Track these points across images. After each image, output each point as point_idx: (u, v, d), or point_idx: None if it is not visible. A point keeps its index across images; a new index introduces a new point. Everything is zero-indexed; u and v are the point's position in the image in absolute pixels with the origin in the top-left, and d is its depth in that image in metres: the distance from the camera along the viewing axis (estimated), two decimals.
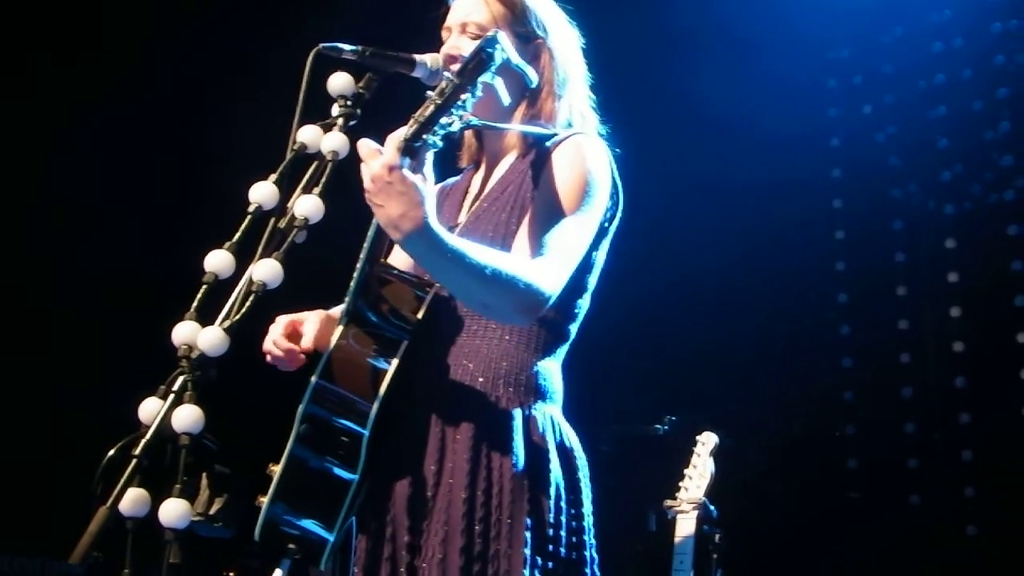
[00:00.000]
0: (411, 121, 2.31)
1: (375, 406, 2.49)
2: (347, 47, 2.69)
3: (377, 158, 2.30)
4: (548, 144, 2.72)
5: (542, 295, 2.50)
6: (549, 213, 2.61)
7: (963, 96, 5.66)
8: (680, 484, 4.21)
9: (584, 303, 2.77)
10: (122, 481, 2.18)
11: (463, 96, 2.31)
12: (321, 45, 2.67)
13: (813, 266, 6.00)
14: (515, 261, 2.52)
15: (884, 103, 5.90)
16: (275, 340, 2.68)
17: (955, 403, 5.53)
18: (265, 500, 2.54)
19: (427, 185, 2.34)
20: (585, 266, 2.71)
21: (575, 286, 2.69)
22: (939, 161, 5.69)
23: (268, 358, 2.72)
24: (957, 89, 5.68)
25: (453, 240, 2.41)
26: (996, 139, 5.55)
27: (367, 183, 2.32)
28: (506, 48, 2.40)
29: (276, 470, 2.55)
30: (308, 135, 2.62)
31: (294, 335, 2.71)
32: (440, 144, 2.35)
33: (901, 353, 5.70)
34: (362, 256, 2.50)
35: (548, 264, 2.54)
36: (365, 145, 2.35)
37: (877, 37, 5.92)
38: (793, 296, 5.98)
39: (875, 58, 5.93)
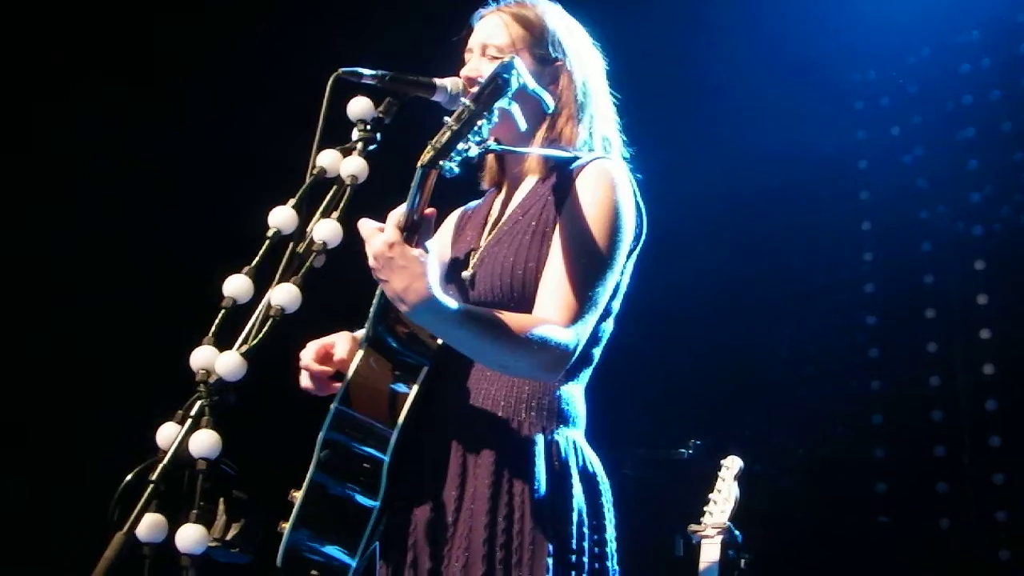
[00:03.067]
0: (428, 147, 2.32)
1: (395, 432, 2.49)
2: (367, 71, 2.69)
3: (378, 236, 2.36)
4: (571, 167, 2.70)
5: (563, 351, 2.50)
6: (576, 250, 2.59)
7: (992, 117, 5.63)
8: (705, 509, 4.18)
9: (608, 327, 2.75)
10: (139, 506, 2.17)
11: (479, 122, 2.31)
12: (341, 69, 2.67)
13: (841, 288, 5.97)
14: (530, 320, 2.51)
15: (912, 124, 5.88)
16: (306, 365, 2.68)
17: (986, 426, 5.49)
18: (287, 526, 2.54)
19: (430, 257, 2.38)
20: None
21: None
22: (968, 182, 5.66)
23: (305, 383, 2.71)
24: (986, 110, 5.65)
25: (461, 308, 2.43)
26: None
27: (370, 260, 2.38)
28: (522, 73, 2.39)
29: (297, 496, 2.55)
30: (327, 159, 2.61)
31: (326, 358, 2.71)
32: (457, 170, 2.35)
33: (931, 376, 5.67)
34: None
35: (571, 315, 2.52)
36: (366, 224, 2.41)
37: (904, 58, 5.90)
38: (821, 318, 5.95)
39: (902, 79, 5.90)
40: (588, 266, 2.58)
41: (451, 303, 2.40)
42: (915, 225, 5.80)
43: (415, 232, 2.39)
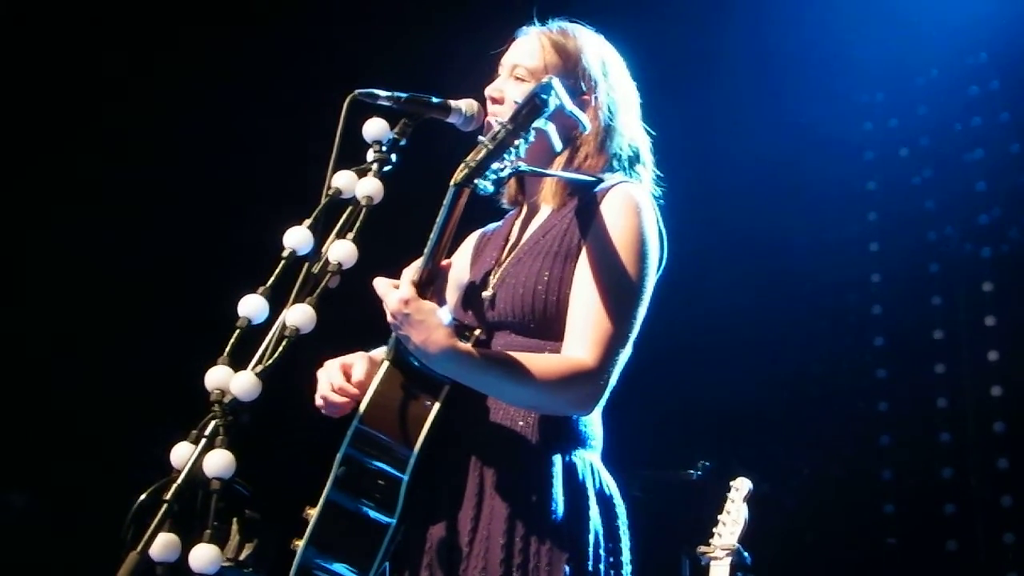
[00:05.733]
0: (462, 165, 2.34)
1: (415, 451, 2.48)
2: (382, 93, 2.70)
3: (393, 293, 2.42)
4: (594, 191, 2.70)
5: (592, 388, 2.53)
6: (605, 283, 2.59)
7: (1000, 139, 5.64)
8: (714, 530, 4.17)
9: (627, 351, 2.74)
10: (153, 526, 2.16)
11: (516, 141, 2.33)
12: (357, 91, 2.68)
13: (849, 309, 5.97)
14: (556, 360, 2.53)
15: (920, 146, 5.89)
16: (341, 386, 2.65)
17: (993, 448, 5.48)
18: (300, 544, 2.53)
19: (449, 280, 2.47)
20: None
21: None
22: (976, 204, 5.66)
23: (320, 403, 2.69)
24: (994, 132, 5.66)
25: (484, 353, 2.48)
26: None
27: (388, 317, 2.44)
28: (560, 94, 2.40)
29: (312, 513, 2.54)
30: (343, 180, 2.62)
31: (345, 378, 2.70)
32: (491, 188, 2.37)
33: (938, 397, 5.66)
34: None
35: (601, 350, 2.53)
36: (381, 283, 2.49)
37: (912, 80, 5.91)
38: (829, 339, 5.95)
39: (911, 101, 5.91)
40: (617, 300, 2.58)
41: (473, 351, 2.45)
42: (923, 246, 5.80)
43: (431, 284, 2.46)
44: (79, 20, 5.46)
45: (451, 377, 2.51)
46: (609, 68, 2.85)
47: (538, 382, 2.46)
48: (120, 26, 5.46)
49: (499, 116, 2.65)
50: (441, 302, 2.54)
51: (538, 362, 2.49)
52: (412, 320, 2.39)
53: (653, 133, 2.92)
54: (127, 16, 5.46)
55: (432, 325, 2.39)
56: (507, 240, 2.89)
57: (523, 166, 2.46)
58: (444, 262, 2.52)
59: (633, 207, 2.65)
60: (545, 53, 2.78)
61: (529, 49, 2.81)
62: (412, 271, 2.47)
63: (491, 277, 2.78)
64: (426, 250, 2.45)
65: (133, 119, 5.45)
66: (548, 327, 2.62)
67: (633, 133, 2.86)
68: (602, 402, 2.68)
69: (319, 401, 2.69)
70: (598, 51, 2.85)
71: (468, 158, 2.34)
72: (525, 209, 2.92)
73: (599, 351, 2.52)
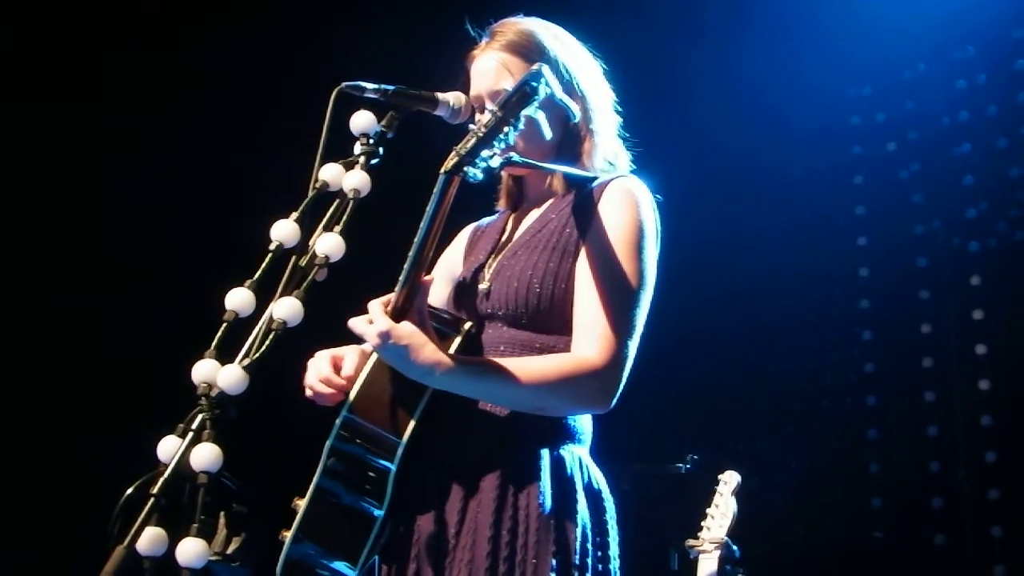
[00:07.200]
0: (452, 153, 2.32)
1: (403, 441, 2.48)
2: (369, 85, 2.70)
3: (370, 329, 2.41)
4: (591, 186, 2.71)
5: (601, 382, 2.53)
6: (608, 279, 2.59)
7: (988, 133, 5.64)
8: (702, 523, 4.17)
9: (636, 342, 2.72)
10: (139, 520, 2.16)
11: (505, 129, 2.32)
12: (344, 84, 2.68)
13: (837, 303, 5.97)
14: (558, 359, 2.54)
15: (908, 140, 5.89)
16: (327, 377, 2.63)
17: (981, 441, 5.48)
18: (288, 535, 2.53)
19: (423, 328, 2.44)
20: None
21: None
22: (964, 198, 5.67)
23: (310, 393, 2.68)
24: (981, 126, 5.66)
25: (483, 363, 2.49)
26: (1022, 176, 5.53)
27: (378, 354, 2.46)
28: (550, 81, 2.39)
29: (301, 504, 2.54)
30: (330, 173, 2.62)
31: (334, 369, 2.70)
32: (481, 176, 2.35)
33: (926, 391, 5.66)
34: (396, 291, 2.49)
35: (610, 345, 2.53)
36: (357, 323, 2.45)
37: (900, 74, 5.91)
38: (817, 333, 5.95)
39: (898, 95, 5.92)
40: (621, 294, 2.58)
41: (473, 360, 2.47)
42: (911, 240, 5.80)
43: (413, 300, 2.43)
44: (77, 19, 5.45)
45: (454, 391, 2.51)
46: (576, 54, 2.83)
47: (539, 384, 2.47)
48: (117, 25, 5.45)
49: None
50: (422, 318, 2.50)
51: (538, 364, 2.50)
52: (398, 348, 2.39)
53: (622, 119, 2.90)
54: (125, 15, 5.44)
55: (419, 344, 2.40)
56: (502, 233, 2.89)
57: (515, 156, 2.45)
58: (426, 278, 2.49)
59: (632, 201, 2.66)
60: (512, 68, 2.73)
61: (500, 74, 2.74)
62: (378, 303, 2.46)
63: (486, 270, 2.78)
64: (416, 240, 2.41)
65: (124, 115, 5.43)
66: (541, 321, 2.62)
67: (611, 114, 2.85)
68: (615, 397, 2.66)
69: (308, 392, 2.68)
70: (559, 38, 2.83)
71: (458, 146, 2.32)
72: (522, 203, 2.92)
73: (606, 345, 2.53)
